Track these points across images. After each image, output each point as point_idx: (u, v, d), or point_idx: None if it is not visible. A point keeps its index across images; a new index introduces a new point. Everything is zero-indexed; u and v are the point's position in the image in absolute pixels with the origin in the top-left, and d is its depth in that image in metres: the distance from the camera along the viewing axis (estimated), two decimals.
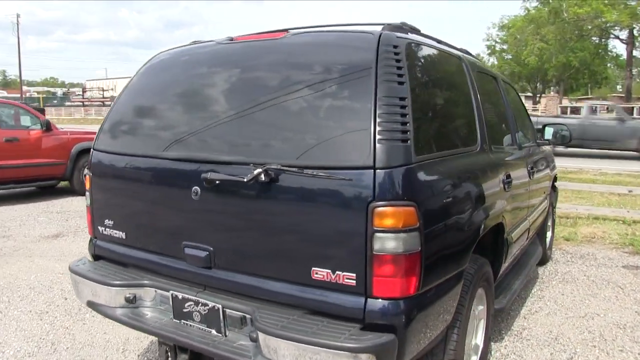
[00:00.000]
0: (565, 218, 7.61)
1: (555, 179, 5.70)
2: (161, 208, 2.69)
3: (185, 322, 2.58)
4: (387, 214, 2.06)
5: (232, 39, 2.87)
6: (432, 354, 2.62)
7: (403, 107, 2.19)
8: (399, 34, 2.49)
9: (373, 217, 2.07)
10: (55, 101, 56.69)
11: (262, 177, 2.23)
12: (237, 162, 2.36)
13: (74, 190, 9.38)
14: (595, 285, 4.90)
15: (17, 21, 47.92)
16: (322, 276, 2.21)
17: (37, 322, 4.03)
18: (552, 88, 54.38)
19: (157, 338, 2.85)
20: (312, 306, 2.27)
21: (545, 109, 40.54)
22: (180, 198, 2.55)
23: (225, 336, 2.46)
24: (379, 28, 2.53)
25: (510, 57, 51.00)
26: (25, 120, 9.29)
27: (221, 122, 2.52)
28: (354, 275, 2.14)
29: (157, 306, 2.73)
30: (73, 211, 8.20)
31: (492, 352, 3.53)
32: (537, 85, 56.57)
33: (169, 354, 2.70)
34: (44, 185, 9.19)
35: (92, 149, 3.05)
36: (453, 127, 2.83)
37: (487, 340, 3.17)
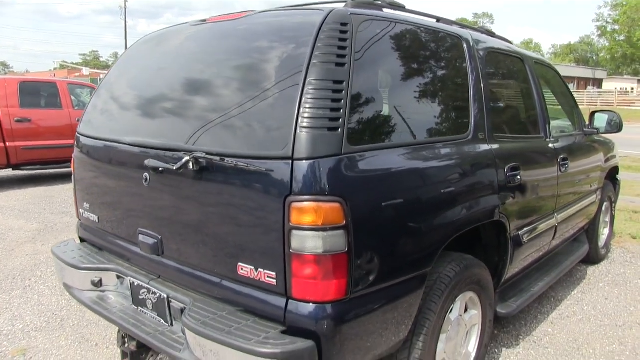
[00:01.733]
0: (636, 213, 6.85)
1: (615, 171, 5.10)
2: (122, 193, 2.65)
3: (141, 309, 2.54)
4: (306, 210, 1.86)
5: (204, 21, 2.74)
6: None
7: (338, 91, 1.96)
8: (358, 11, 2.24)
9: (290, 212, 1.88)
10: None
11: (191, 165, 2.11)
12: (175, 148, 2.25)
13: None
14: None
15: (125, 5, 50.67)
16: (246, 272, 2.07)
17: (57, 299, 4.18)
18: None
19: None
20: (241, 303, 2.14)
21: None
22: (135, 184, 2.49)
23: (172, 326, 2.40)
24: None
25: (623, 38, 46.99)
26: None
27: (167, 108, 2.44)
28: (274, 274, 1.97)
29: (121, 291, 2.72)
30: None
31: None
32: None
33: (125, 339, 2.68)
34: None
35: (76, 133, 3.06)
36: (421, 113, 2.50)
37: (482, 348, 2.87)
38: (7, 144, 8.28)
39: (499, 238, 2.94)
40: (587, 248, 4.46)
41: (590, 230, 4.66)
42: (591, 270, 4.84)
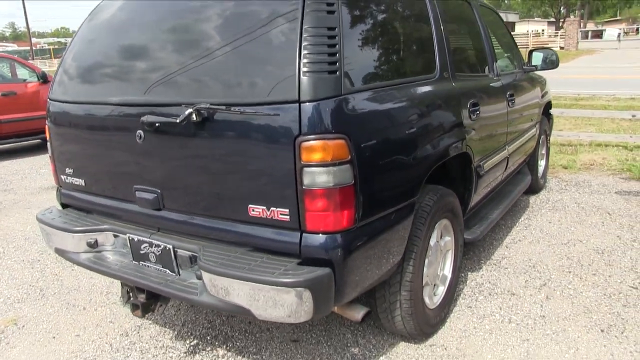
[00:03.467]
0: (567, 146, 7.47)
1: (549, 106, 5.55)
2: (112, 154, 2.69)
3: (143, 263, 2.63)
4: (315, 148, 2.03)
5: None
6: (389, 285, 2.64)
7: (332, 37, 2.11)
8: None
9: (301, 152, 2.04)
10: None
11: (194, 117, 2.21)
12: (172, 103, 2.33)
13: None
14: (584, 212, 4.85)
15: None
16: (258, 213, 2.21)
17: (29, 271, 4.16)
18: (576, 12, 52.18)
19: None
20: (253, 243, 2.29)
21: (565, 34, 39.13)
22: (127, 143, 2.55)
23: (179, 275, 2.52)
24: None
25: None
26: (23, 74, 9.29)
27: (158, 64, 2.48)
28: (287, 210, 2.14)
29: (118, 249, 2.78)
30: None
31: (467, 282, 3.56)
32: (561, 9, 54.35)
33: (130, 294, 2.77)
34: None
35: (47, 99, 3.04)
36: (400, 54, 2.71)
37: (456, 271, 3.18)
38: None
39: (463, 170, 3.22)
40: (529, 179, 4.89)
41: (530, 162, 5.09)
42: (532, 199, 5.32)
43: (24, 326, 3.32)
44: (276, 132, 2.09)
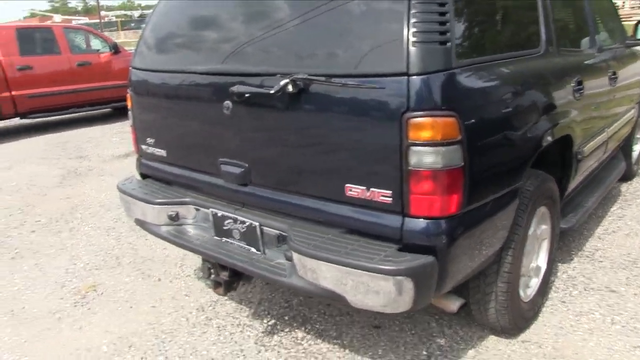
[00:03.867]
0: None
1: None
2: (196, 124, 2.60)
3: (226, 239, 2.55)
4: (424, 126, 1.85)
5: None
6: (484, 275, 2.46)
7: (442, 4, 1.92)
8: None
9: (408, 129, 1.87)
10: (132, 24, 57.93)
11: (290, 88, 2.08)
12: (265, 73, 2.21)
13: None
14: None
15: None
16: (356, 193, 2.07)
17: (105, 238, 4.21)
18: None
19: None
20: (348, 224, 2.15)
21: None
22: (213, 113, 2.46)
23: (264, 254, 2.42)
24: None
25: None
26: (96, 44, 9.48)
27: (250, 32, 2.35)
28: (390, 192, 1.98)
29: (199, 223, 2.72)
30: None
31: (558, 274, 3.31)
32: None
33: (211, 270, 2.70)
34: (117, 107, 9.47)
35: (130, 67, 2.98)
36: (508, 27, 2.48)
37: (551, 262, 2.95)
38: (13, 92, 8.05)
39: (563, 153, 2.96)
40: (624, 165, 4.52)
41: (625, 147, 4.71)
42: (625, 187, 4.93)
43: (102, 293, 3.34)
44: (380, 107, 1.93)
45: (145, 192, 2.83)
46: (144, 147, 2.95)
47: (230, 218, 2.50)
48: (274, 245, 2.39)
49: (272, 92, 2.11)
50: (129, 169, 6.07)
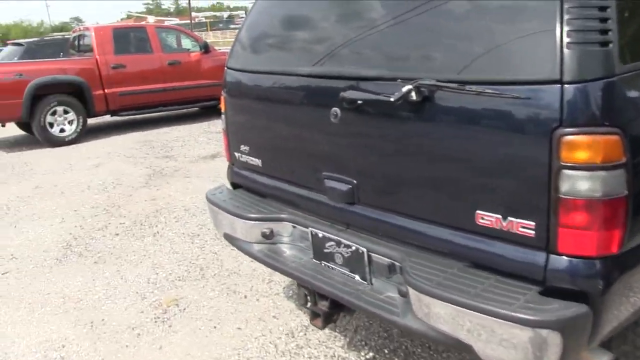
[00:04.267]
0: None
1: None
2: (298, 133, 2.28)
3: (326, 263, 2.22)
4: (580, 145, 1.45)
5: None
6: (635, 324, 1.99)
7: None
8: None
9: (559, 148, 1.47)
10: (221, 25, 59.56)
11: (413, 95, 1.72)
12: (383, 77, 1.86)
13: None
14: None
15: None
16: (489, 222, 1.68)
17: (189, 245, 4.00)
18: None
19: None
20: (475, 258, 1.77)
21: None
22: (317, 121, 2.13)
23: (371, 284, 2.07)
24: None
25: None
26: (186, 44, 9.52)
27: (363, 30, 1.99)
28: (533, 224, 1.58)
29: (296, 243, 2.40)
30: None
31: None
32: None
33: (308, 298, 2.37)
34: (205, 106, 9.45)
35: (225, 68, 2.71)
36: None
37: None
38: (106, 90, 8.20)
39: None
40: None
41: None
42: None
43: (185, 309, 3.11)
44: (525, 121, 1.54)
45: (237, 205, 2.54)
46: (237, 154, 2.67)
47: (333, 240, 2.16)
48: (383, 276, 2.04)
49: (391, 100, 1.75)
50: (216, 170, 5.94)
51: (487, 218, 1.69)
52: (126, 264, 3.74)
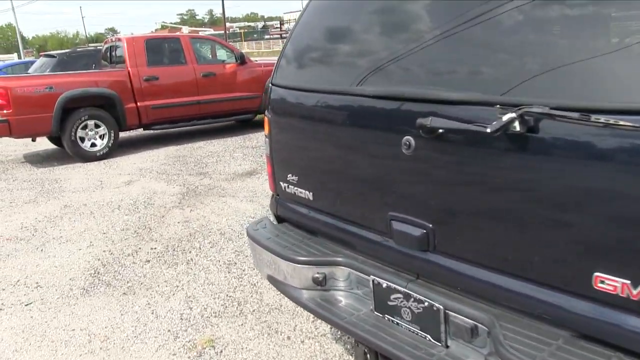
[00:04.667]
0: None
1: None
2: (359, 164, 1.93)
3: (390, 318, 1.86)
4: None
5: None
6: None
7: None
8: None
9: None
10: (255, 35, 59.79)
11: (516, 126, 1.35)
12: (475, 101, 1.50)
13: None
14: None
15: None
16: (611, 288, 1.31)
17: (225, 275, 3.68)
18: None
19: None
20: (589, 329, 1.39)
21: None
22: (385, 152, 1.78)
23: (446, 347, 1.71)
24: None
25: None
26: (221, 55, 9.30)
27: (447, 43, 1.63)
28: None
29: (353, 291, 2.05)
30: None
31: None
32: None
33: (368, 356, 2.01)
34: (241, 119, 9.19)
35: (270, 85, 2.38)
36: None
37: None
38: (138, 103, 7.99)
39: None
40: None
41: None
42: None
43: (221, 351, 2.78)
44: None
45: (284, 244, 2.20)
46: (283, 184, 2.33)
47: (400, 292, 1.81)
48: (462, 338, 1.67)
49: (488, 130, 1.38)
50: (253, 189, 5.64)
51: (608, 283, 1.32)
52: (157, 295, 3.44)
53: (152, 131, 8.75)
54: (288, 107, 2.26)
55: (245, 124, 9.56)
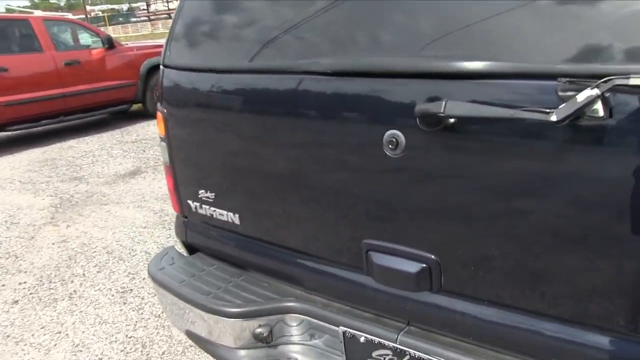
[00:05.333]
0: None
1: None
2: (314, 171, 1.36)
3: None
4: None
5: None
6: None
7: None
8: None
9: None
10: (121, 19, 56.01)
11: (598, 109, 0.85)
12: (518, 73, 0.98)
13: (149, 114, 8.24)
14: None
15: None
16: None
17: (120, 308, 2.98)
18: None
19: None
20: None
21: None
22: (357, 154, 1.24)
23: None
24: None
25: None
26: (85, 39, 8.16)
27: None
28: None
29: (311, 342, 1.50)
30: (150, 138, 7.18)
31: None
32: None
33: None
34: (115, 112, 8.16)
35: (161, 66, 1.73)
36: None
37: None
38: None
39: None
40: None
41: None
42: None
43: None
44: None
45: (206, 290, 1.60)
46: (193, 204, 1.71)
47: (388, 348, 1.29)
48: None
49: (553, 117, 0.87)
50: (140, 192, 4.88)
51: None
52: (33, 350, 2.67)
53: (10, 132, 7.46)
54: (193, 94, 1.63)
55: (122, 116, 8.51)
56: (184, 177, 1.73)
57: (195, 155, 1.67)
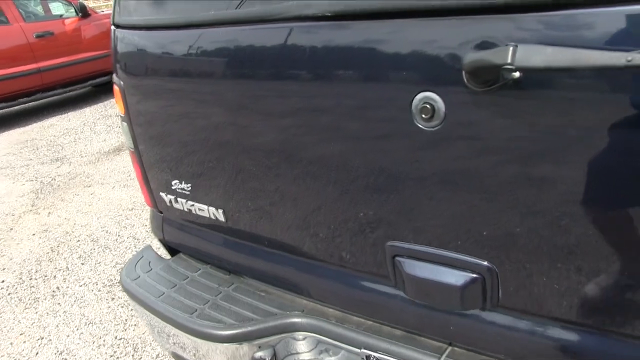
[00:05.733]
0: None
1: None
2: (318, 153, 1.03)
3: None
4: None
5: None
6: None
7: None
8: None
9: None
10: None
11: None
12: None
13: None
14: None
15: None
16: None
17: (108, 305, 2.69)
18: None
19: None
20: None
21: None
22: (374, 126, 0.90)
23: None
24: None
25: None
26: (56, 8, 7.64)
27: None
28: None
29: None
30: None
31: None
32: None
33: None
34: (97, 84, 7.72)
35: (112, 27, 1.37)
36: None
37: None
38: None
39: None
40: None
41: None
42: None
43: None
44: None
45: (190, 306, 1.28)
46: (167, 197, 1.38)
47: None
48: None
49: None
50: (125, 170, 4.53)
51: None
52: None
53: None
54: (157, 59, 1.28)
55: (104, 88, 8.06)
56: (153, 165, 1.39)
57: (165, 137, 1.33)
